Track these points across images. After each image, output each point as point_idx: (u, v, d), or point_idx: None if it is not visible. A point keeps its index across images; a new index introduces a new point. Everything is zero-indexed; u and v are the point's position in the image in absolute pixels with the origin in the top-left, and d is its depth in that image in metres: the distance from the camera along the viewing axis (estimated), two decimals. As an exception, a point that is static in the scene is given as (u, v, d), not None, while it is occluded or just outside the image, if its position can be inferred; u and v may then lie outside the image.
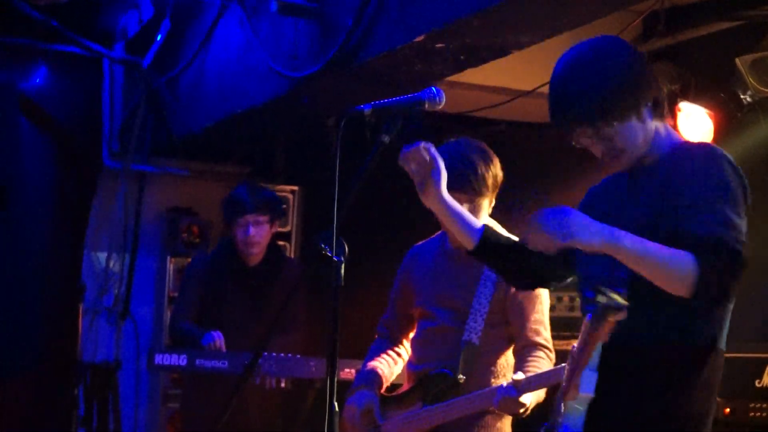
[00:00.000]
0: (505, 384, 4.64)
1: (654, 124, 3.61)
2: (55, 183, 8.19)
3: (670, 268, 3.29)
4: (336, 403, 3.73)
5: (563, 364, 4.45)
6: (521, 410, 4.65)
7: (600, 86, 3.51)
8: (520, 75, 6.83)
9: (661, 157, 3.58)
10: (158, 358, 6.22)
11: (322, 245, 3.82)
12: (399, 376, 5.22)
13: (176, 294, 7.92)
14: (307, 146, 8.10)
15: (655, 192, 3.51)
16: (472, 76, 6.38)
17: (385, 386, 5.11)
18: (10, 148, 7.68)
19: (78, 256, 8.19)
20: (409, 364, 5.10)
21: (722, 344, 3.54)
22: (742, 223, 3.40)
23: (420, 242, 5.26)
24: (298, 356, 6.17)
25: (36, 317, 8.02)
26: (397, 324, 5.23)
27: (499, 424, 4.90)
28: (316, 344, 6.75)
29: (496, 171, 4.91)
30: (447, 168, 4.73)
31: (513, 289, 4.80)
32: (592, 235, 3.32)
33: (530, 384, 4.62)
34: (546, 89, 6.67)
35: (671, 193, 3.47)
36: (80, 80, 8.21)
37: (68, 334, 7.54)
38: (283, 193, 8.04)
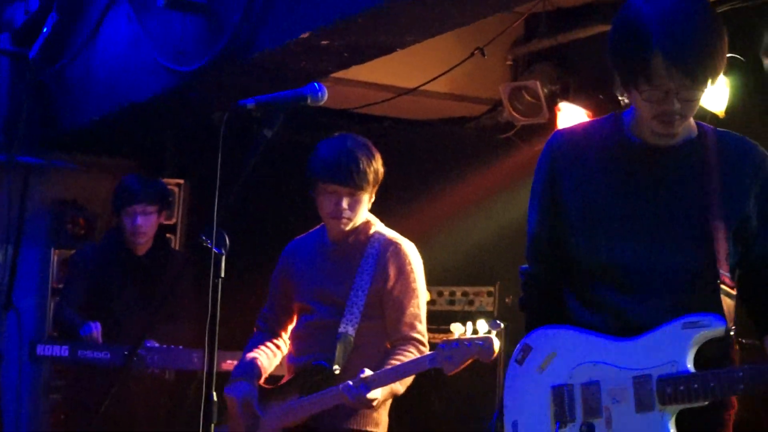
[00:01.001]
0: (351, 382, 4.66)
1: None
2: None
3: None
4: (215, 393, 3.79)
5: (419, 358, 4.67)
6: (374, 404, 4.71)
7: (722, 44, 3.31)
8: (404, 73, 6.93)
9: (692, 139, 3.49)
10: (40, 349, 6.20)
11: (204, 238, 3.87)
12: (279, 368, 5.27)
13: (60, 285, 7.92)
14: (194, 140, 8.11)
15: (699, 180, 3.44)
16: (357, 73, 6.42)
17: (264, 378, 5.12)
18: None
19: (-39, 247, 8.11)
20: (289, 357, 5.14)
21: None
22: None
23: (299, 236, 5.29)
24: (181, 348, 6.16)
25: None
26: (276, 318, 5.25)
27: (375, 414, 4.94)
28: (199, 336, 6.74)
29: (377, 166, 4.96)
30: (330, 161, 4.91)
31: (390, 283, 4.89)
32: None
33: (379, 380, 4.66)
34: (429, 87, 6.91)
35: (731, 192, 3.43)
36: (-36, 71, 8.15)
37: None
38: (170, 186, 8.01)
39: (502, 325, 4.51)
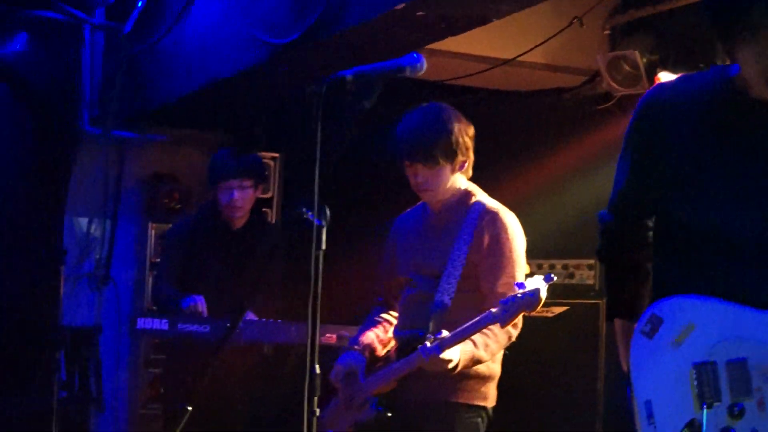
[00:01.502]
0: (427, 343, 4.67)
1: None
2: (35, 148, 8.15)
3: None
4: (317, 366, 3.76)
5: (484, 314, 4.61)
6: (450, 366, 4.69)
7: None
8: (499, 44, 6.84)
9: None
10: (140, 323, 6.19)
11: (304, 210, 3.84)
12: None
13: (157, 259, 7.99)
14: (287, 113, 8.08)
15: None
16: (452, 44, 6.36)
17: (379, 349, 5.17)
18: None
19: (58, 222, 8.16)
20: (394, 330, 5.17)
21: None
22: None
23: (404, 212, 5.31)
24: (279, 321, 6.15)
25: (17, 283, 8.02)
26: (388, 291, 5.28)
27: (483, 389, 4.94)
28: (292, 309, 6.76)
29: (455, 136, 4.94)
30: (398, 138, 5.01)
31: (485, 252, 4.88)
32: None
33: (450, 340, 4.66)
34: (525, 58, 6.82)
35: None
36: (60, 46, 8.16)
37: (49, 299, 7.52)
38: (265, 160, 8.00)
39: (555, 279, 4.55)
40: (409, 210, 5.30)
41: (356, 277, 5.38)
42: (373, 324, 5.26)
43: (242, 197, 6.67)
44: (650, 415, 3.29)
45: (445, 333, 4.67)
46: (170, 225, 7.78)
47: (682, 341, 3.26)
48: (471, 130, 5.04)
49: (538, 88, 7.50)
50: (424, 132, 4.95)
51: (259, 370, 6.72)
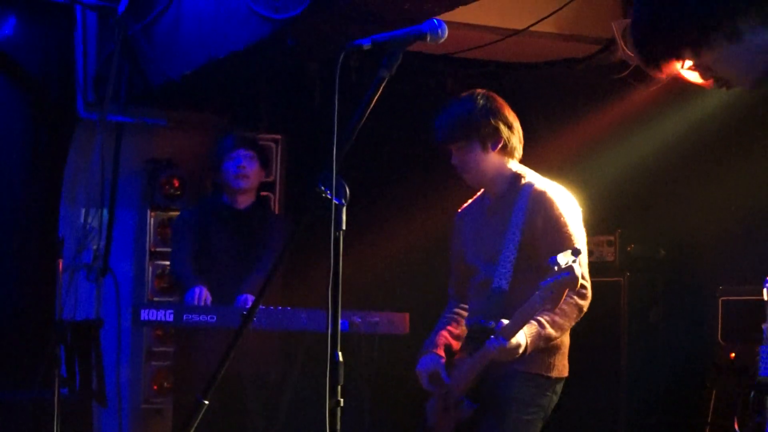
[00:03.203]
0: (493, 336, 4.72)
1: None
2: (29, 136, 8.04)
3: None
4: (340, 354, 3.55)
5: (530, 299, 4.59)
6: (519, 351, 4.73)
7: None
8: (511, 13, 6.66)
9: None
10: (144, 314, 6.02)
11: (322, 188, 3.62)
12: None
13: (157, 248, 8.15)
14: (288, 93, 7.89)
15: None
16: (461, 15, 6.17)
17: (454, 344, 5.23)
18: (-21, 101, 7.52)
19: (55, 211, 8.04)
20: (465, 319, 5.27)
21: None
22: None
23: (466, 204, 5.40)
24: (289, 308, 6.02)
25: (12, 274, 7.92)
26: (460, 283, 5.33)
27: (548, 359, 4.98)
28: (292, 294, 6.75)
29: (480, 120, 5.05)
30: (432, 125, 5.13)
31: (539, 233, 4.94)
32: None
33: (510, 328, 4.69)
34: (538, 28, 6.59)
35: None
36: (52, 28, 8.05)
37: (47, 292, 7.37)
38: (266, 142, 7.82)
39: (581, 252, 4.62)
40: (471, 201, 5.38)
41: (369, 260, 5.22)
42: (446, 322, 5.31)
43: (249, 166, 6.74)
44: None
45: (505, 322, 4.70)
46: (170, 213, 7.76)
47: None
48: (504, 110, 5.14)
49: (551, 58, 7.28)
50: (449, 111, 5.11)
51: (269, 358, 6.61)
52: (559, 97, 7.36)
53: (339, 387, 3.57)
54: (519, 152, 5.16)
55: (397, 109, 6.51)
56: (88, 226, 8.07)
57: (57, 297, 7.16)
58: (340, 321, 3.58)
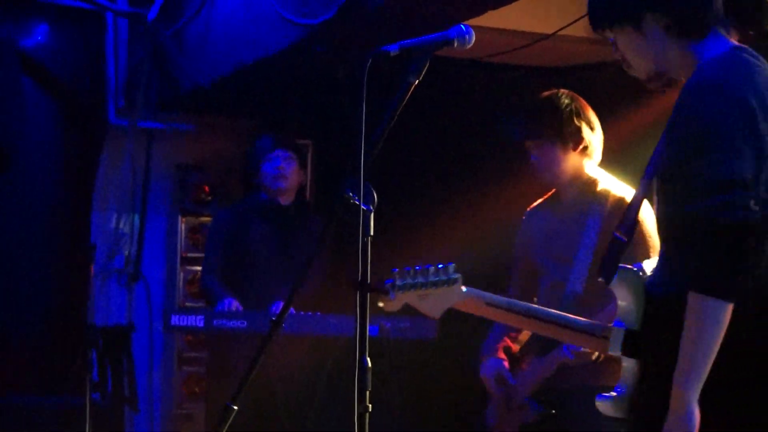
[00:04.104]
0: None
1: (676, 44, 3.26)
2: (61, 142, 8.10)
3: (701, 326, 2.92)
4: (368, 359, 3.55)
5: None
6: (593, 357, 4.76)
7: None
8: (539, 18, 6.64)
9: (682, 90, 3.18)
10: (174, 319, 6.08)
11: (349, 193, 3.63)
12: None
13: (189, 254, 8.17)
14: (318, 98, 7.90)
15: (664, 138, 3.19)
16: (490, 19, 6.14)
17: (515, 346, 5.24)
18: (12, 109, 7.48)
19: (86, 217, 8.07)
20: None
21: None
22: (740, 166, 2.87)
23: (535, 203, 5.37)
24: (318, 314, 6.04)
25: (45, 280, 7.93)
26: (523, 283, 5.29)
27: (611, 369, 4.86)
28: (331, 299, 6.65)
29: (558, 118, 5.06)
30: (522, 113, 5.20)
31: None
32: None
33: None
34: (567, 32, 6.57)
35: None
36: (83, 35, 8.07)
37: (78, 297, 7.42)
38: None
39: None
40: (541, 200, 5.35)
41: (396, 265, 5.20)
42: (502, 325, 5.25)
43: (288, 166, 6.76)
44: None
45: None
46: (201, 218, 7.77)
47: None
48: (588, 111, 5.19)
49: (580, 62, 7.26)
50: (532, 108, 5.17)
51: (298, 363, 6.62)
52: (589, 101, 7.33)
53: (367, 392, 3.57)
54: (598, 155, 5.16)
55: (421, 112, 6.50)
56: (119, 232, 8.11)
57: (89, 302, 7.20)
58: (368, 326, 3.59)
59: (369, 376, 3.56)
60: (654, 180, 3.21)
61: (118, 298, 8.13)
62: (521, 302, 3.78)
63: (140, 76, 7.69)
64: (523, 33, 6.79)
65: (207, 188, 8.38)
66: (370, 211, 3.62)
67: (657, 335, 3.11)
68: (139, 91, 7.72)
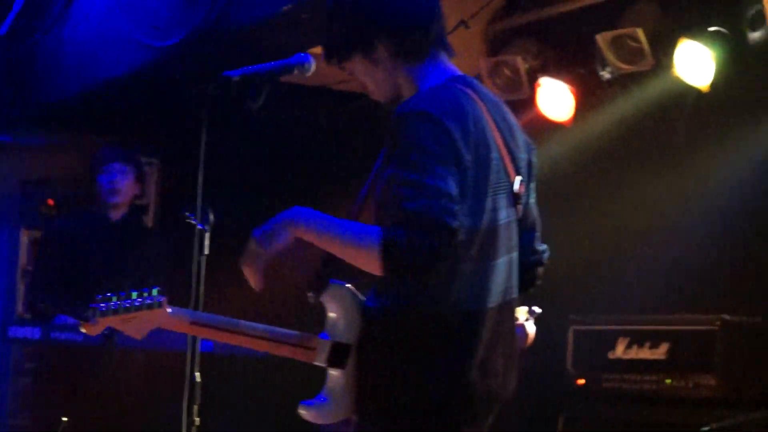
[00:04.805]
0: None
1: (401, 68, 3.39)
2: None
3: (357, 246, 3.13)
4: (198, 374, 3.67)
5: None
6: None
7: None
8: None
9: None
10: (12, 331, 6.06)
11: (187, 213, 3.75)
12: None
13: (29, 267, 7.95)
14: (167, 118, 7.96)
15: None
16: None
17: None
18: None
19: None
20: None
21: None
22: (447, 185, 3.05)
23: None
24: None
25: None
26: None
27: None
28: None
29: None
30: None
31: None
32: (278, 228, 3.30)
33: None
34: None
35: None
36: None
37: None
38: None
39: None
40: None
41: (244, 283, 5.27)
42: None
43: (122, 180, 6.71)
44: None
45: None
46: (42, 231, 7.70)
47: None
48: None
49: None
50: None
51: (132, 377, 6.62)
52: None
53: (196, 407, 3.68)
54: None
55: (273, 137, 6.62)
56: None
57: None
58: (200, 341, 3.70)
59: (198, 390, 3.68)
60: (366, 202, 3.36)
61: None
62: (227, 318, 3.60)
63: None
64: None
65: (51, 201, 8.34)
66: (206, 231, 3.75)
67: (372, 348, 3.23)
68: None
